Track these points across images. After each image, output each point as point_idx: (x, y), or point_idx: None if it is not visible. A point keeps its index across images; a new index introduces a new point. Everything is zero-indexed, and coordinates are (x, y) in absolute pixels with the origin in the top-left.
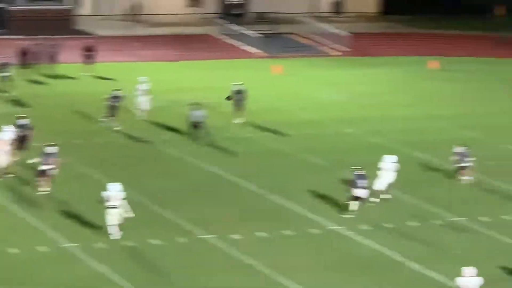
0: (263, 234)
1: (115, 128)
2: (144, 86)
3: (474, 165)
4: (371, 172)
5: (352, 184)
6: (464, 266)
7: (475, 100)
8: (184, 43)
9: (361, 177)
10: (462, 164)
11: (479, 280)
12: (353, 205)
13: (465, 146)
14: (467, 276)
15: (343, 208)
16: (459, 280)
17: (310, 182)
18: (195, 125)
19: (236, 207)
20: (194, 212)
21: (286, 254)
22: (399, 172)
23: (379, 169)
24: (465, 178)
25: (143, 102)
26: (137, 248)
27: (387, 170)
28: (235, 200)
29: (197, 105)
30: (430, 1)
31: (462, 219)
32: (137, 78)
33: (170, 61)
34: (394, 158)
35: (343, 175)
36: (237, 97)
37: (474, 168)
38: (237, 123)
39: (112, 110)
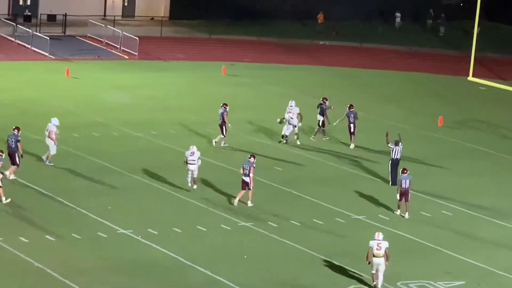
0: (50, 237)
1: None
2: None
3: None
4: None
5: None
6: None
7: (265, 106)
8: None
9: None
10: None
11: (386, 244)
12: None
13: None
14: (378, 239)
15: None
16: (371, 242)
17: (99, 185)
18: None
19: (23, 209)
20: None
21: (73, 257)
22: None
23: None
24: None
25: None
26: None
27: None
28: (22, 202)
29: None
30: (215, 6)
31: (248, 224)
32: None
33: None
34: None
35: (135, 178)
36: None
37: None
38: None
39: None
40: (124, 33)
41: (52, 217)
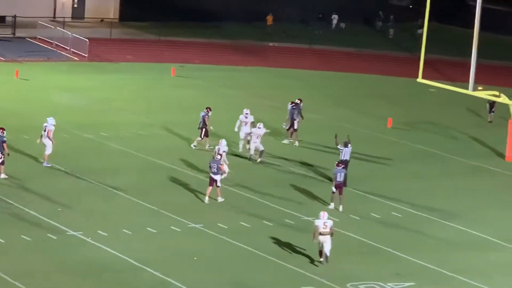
0: (0, 239)
1: None
2: None
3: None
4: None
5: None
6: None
7: (215, 108)
8: None
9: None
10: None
11: (331, 222)
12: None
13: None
14: (323, 218)
15: (83, 213)
16: (316, 221)
17: (49, 187)
18: None
19: None
20: None
21: (23, 258)
22: (139, 177)
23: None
24: None
25: None
26: None
27: None
28: None
29: None
30: (165, 8)
31: (198, 225)
32: None
33: None
34: None
35: (85, 180)
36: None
37: None
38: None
39: None
40: (73, 34)
41: (1, 219)
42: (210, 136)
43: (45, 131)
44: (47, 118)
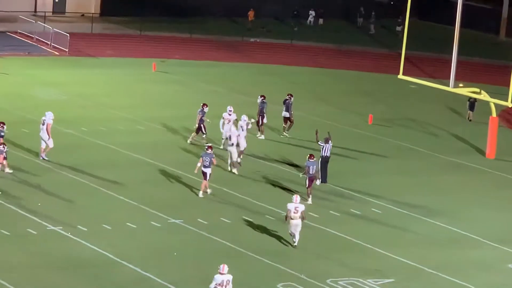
0: None
1: None
2: None
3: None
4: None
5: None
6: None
7: (196, 103)
8: None
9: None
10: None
11: (303, 207)
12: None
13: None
14: (296, 202)
15: (61, 209)
16: (289, 205)
17: (29, 181)
18: None
19: None
20: None
21: (2, 253)
22: (120, 172)
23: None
24: None
25: None
26: None
27: None
28: None
29: None
30: (146, 3)
31: (178, 221)
32: None
33: None
34: None
35: (65, 175)
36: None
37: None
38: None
39: None
40: (54, 29)
41: None
42: (206, 134)
43: (43, 124)
44: (46, 113)
